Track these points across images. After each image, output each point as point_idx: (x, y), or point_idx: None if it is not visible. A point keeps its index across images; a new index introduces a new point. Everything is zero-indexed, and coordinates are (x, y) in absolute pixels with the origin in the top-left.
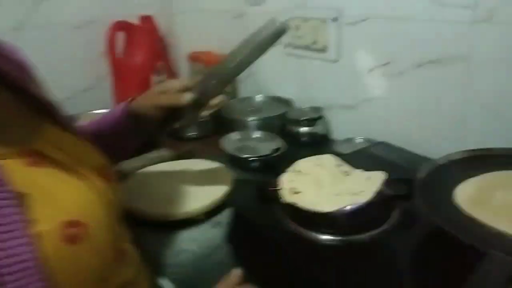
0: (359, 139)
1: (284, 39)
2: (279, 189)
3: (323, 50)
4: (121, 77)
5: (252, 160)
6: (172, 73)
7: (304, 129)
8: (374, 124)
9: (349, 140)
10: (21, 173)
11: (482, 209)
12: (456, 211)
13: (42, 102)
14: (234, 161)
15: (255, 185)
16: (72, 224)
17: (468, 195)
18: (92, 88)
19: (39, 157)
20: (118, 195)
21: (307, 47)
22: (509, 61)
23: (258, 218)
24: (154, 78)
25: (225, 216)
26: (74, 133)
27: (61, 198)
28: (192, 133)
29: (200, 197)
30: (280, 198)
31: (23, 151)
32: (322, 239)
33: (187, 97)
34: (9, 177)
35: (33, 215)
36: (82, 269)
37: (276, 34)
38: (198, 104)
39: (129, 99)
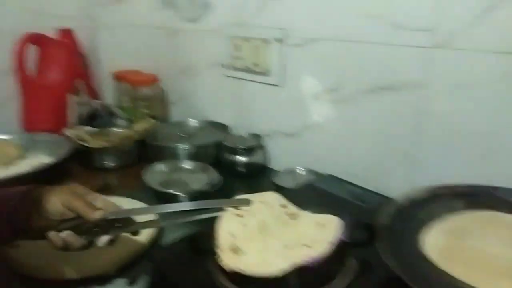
0: (301, 171)
1: (223, 59)
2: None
3: (264, 72)
4: (32, 97)
5: (181, 197)
6: (93, 93)
7: (241, 159)
8: (318, 154)
9: (291, 172)
10: None
11: (454, 262)
12: (425, 263)
13: None
14: (159, 198)
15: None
16: None
17: (437, 245)
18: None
19: None
20: None
21: (247, 69)
22: (467, 89)
23: (187, 278)
24: (72, 98)
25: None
26: None
27: None
28: (111, 162)
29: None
30: (218, 258)
31: None
32: None
33: (97, 214)
34: None
35: None
36: None
37: None
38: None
39: (32, 187)
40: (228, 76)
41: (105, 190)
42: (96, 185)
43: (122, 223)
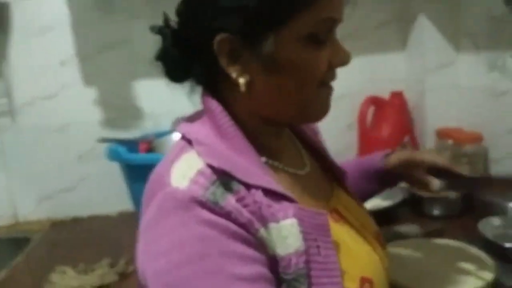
0: None
1: None
2: None
3: None
4: (368, 148)
5: None
6: (417, 148)
7: None
8: None
9: None
10: (332, 226)
11: None
12: None
13: (336, 168)
14: (492, 249)
15: None
16: (366, 280)
17: None
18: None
19: (338, 215)
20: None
21: None
22: None
23: None
24: None
25: None
26: (355, 198)
27: (359, 256)
28: (438, 211)
29: (460, 282)
30: None
31: (329, 208)
32: None
33: (437, 184)
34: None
35: (342, 265)
36: None
37: None
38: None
39: (386, 152)
40: None
41: (437, 234)
42: (428, 229)
43: None
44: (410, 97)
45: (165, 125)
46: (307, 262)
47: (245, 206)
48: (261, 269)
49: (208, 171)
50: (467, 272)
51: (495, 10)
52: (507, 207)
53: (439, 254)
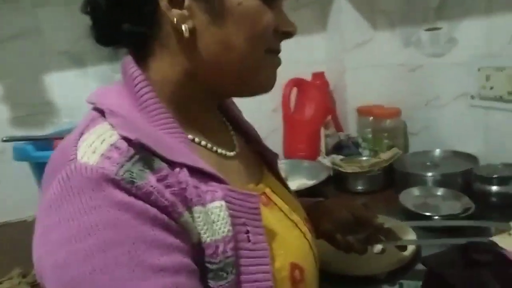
0: None
1: (470, 89)
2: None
3: None
4: (293, 130)
5: (434, 219)
6: (339, 127)
7: (495, 189)
8: None
9: None
10: (261, 210)
11: None
12: None
13: (266, 151)
14: (413, 219)
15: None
16: (296, 267)
17: None
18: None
19: (267, 199)
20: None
21: (498, 98)
22: None
23: (459, 279)
24: (322, 131)
25: (407, 277)
26: (284, 183)
27: (288, 241)
28: (361, 186)
29: (385, 254)
30: None
31: (258, 191)
32: None
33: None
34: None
35: (271, 251)
36: None
37: None
38: None
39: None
40: (474, 106)
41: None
42: None
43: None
44: (331, 77)
45: (79, 119)
46: (236, 249)
47: (167, 186)
48: (183, 259)
49: (124, 145)
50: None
51: None
52: (426, 178)
53: None
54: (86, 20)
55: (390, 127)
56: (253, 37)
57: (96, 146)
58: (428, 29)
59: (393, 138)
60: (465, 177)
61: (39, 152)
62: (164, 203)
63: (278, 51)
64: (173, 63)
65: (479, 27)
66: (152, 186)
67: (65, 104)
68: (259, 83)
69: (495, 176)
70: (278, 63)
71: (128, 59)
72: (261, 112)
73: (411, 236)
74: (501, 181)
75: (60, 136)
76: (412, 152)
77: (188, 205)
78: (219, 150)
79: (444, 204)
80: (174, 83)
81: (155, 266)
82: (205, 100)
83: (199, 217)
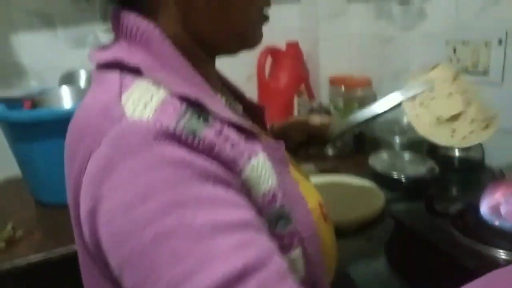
0: None
1: (438, 61)
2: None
3: (483, 72)
4: (267, 98)
5: (402, 180)
6: (312, 96)
7: (457, 153)
8: None
9: None
10: None
11: None
12: None
13: (253, 106)
14: (382, 180)
15: (412, 201)
16: (322, 205)
17: None
18: None
19: None
20: None
21: (465, 69)
22: None
23: (424, 229)
24: (297, 100)
25: (377, 230)
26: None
27: (307, 185)
28: (332, 150)
29: (353, 210)
30: None
31: None
32: (502, 257)
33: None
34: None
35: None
36: (332, 245)
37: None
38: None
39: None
40: None
41: (334, 171)
42: (326, 167)
43: None
44: (304, 47)
45: (51, 82)
46: (284, 195)
47: (226, 140)
48: (248, 214)
49: (175, 100)
50: (361, 202)
51: None
52: (393, 142)
53: (334, 189)
54: None
55: (361, 96)
56: None
57: (146, 102)
58: (400, 3)
59: (364, 107)
60: (430, 142)
61: (10, 111)
62: (227, 157)
63: (270, 5)
64: (172, 20)
65: (448, 2)
66: (212, 139)
67: (34, 67)
68: (253, 37)
69: None
70: (267, 18)
71: (132, 15)
72: (235, 79)
73: (380, 195)
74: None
75: (31, 98)
76: (381, 119)
77: (243, 160)
78: (234, 106)
79: (410, 167)
80: (181, 39)
81: (222, 224)
82: (207, 57)
83: (252, 171)
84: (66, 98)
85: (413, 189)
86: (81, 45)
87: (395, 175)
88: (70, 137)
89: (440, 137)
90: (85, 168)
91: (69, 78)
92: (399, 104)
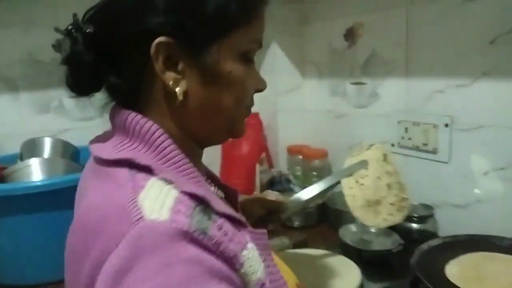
0: None
1: (390, 138)
2: None
3: (432, 151)
4: (230, 166)
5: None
6: (271, 164)
7: (414, 226)
8: (489, 226)
9: None
10: None
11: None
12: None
13: (228, 189)
14: (353, 254)
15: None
16: (299, 286)
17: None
18: None
19: None
20: None
21: (415, 148)
22: None
23: None
24: (258, 167)
25: None
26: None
27: (284, 267)
28: (298, 222)
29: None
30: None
31: None
32: None
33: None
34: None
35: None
36: None
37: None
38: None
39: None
40: (394, 153)
41: (303, 245)
42: (295, 240)
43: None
44: (264, 117)
45: (10, 148)
46: (270, 283)
47: (225, 235)
48: None
49: (185, 198)
50: (338, 279)
51: (335, 43)
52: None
53: (311, 265)
54: (21, 45)
55: (318, 167)
56: (240, 98)
57: (162, 201)
58: (354, 83)
59: (321, 177)
60: None
61: None
62: (230, 253)
63: (253, 104)
64: (168, 119)
65: (399, 86)
66: (218, 236)
67: None
68: (238, 131)
69: (415, 215)
70: (250, 113)
71: (132, 114)
72: None
73: (356, 272)
74: (420, 220)
75: None
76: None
77: (240, 255)
78: (219, 193)
79: (377, 240)
80: (175, 134)
81: None
82: (198, 148)
83: (246, 264)
84: (35, 171)
85: (380, 263)
86: (45, 111)
87: (365, 249)
88: (79, 233)
89: (367, 218)
90: (101, 267)
91: (31, 146)
92: (338, 182)
